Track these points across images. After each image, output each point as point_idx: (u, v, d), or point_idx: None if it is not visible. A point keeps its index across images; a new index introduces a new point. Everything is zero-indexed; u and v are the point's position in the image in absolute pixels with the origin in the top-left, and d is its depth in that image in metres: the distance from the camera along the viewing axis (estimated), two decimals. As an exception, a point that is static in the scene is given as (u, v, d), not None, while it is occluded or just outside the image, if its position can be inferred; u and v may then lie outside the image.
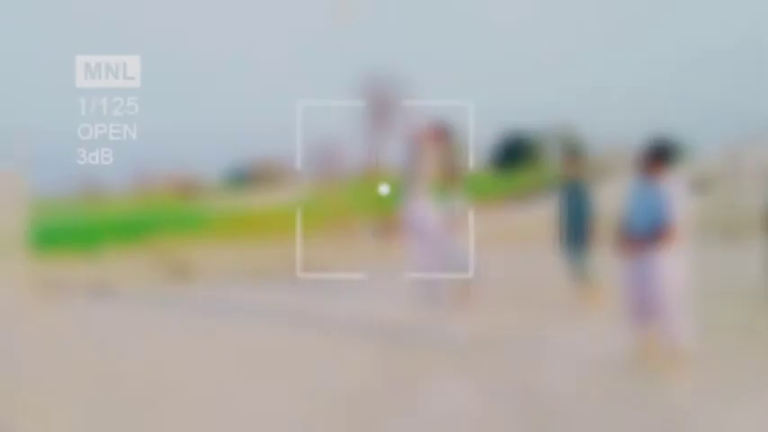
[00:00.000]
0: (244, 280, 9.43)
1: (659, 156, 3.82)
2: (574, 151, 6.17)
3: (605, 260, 5.70)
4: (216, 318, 6.59)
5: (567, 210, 5.85)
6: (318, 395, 3.95)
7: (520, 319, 5.68)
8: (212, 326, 6.20)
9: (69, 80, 5.31)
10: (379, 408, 3.67)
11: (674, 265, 3.75)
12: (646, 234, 3.78)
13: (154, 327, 6.29)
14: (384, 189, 7.54)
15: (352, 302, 7.07)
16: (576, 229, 5.71)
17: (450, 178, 7.00)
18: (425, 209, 5.87)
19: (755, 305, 5.61)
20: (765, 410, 3.26)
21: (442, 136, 6.07)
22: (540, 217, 16.25)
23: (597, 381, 3.83)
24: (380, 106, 37.99)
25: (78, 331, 6.23)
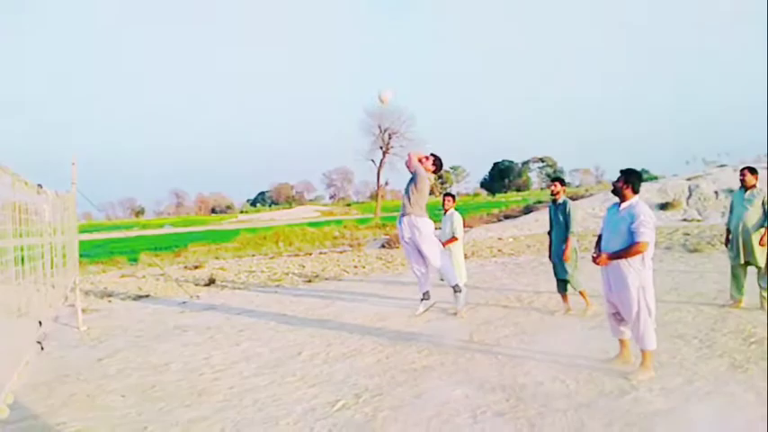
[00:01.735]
0: (263, 285, 9.43)
1: (627, 180, 3.93)
2: (558, 178, 6.25)
3: (588, 270, 5.69)
4: (237, 317, 6.63)
5: (555, 224, 5.84)
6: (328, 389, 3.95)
7: (509, 322, 5.64)
8: (231, 324, 6.23)
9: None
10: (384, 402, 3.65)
11: (642, 275, 3.76)
12: (617, 248, 3.83)
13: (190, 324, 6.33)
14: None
15: (361, 303, 7.06)
16: (562, 241, 5.68)
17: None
18: (418, 223, 5.86)
19: (715, 311, 5.56)
20: (723, 408, 3.22)
21: (430, 161, 6.11)
22: (527, 230, 16.24)
23: (578, 380, 3.79)
24: (387, 136, 38.16)
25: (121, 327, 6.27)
